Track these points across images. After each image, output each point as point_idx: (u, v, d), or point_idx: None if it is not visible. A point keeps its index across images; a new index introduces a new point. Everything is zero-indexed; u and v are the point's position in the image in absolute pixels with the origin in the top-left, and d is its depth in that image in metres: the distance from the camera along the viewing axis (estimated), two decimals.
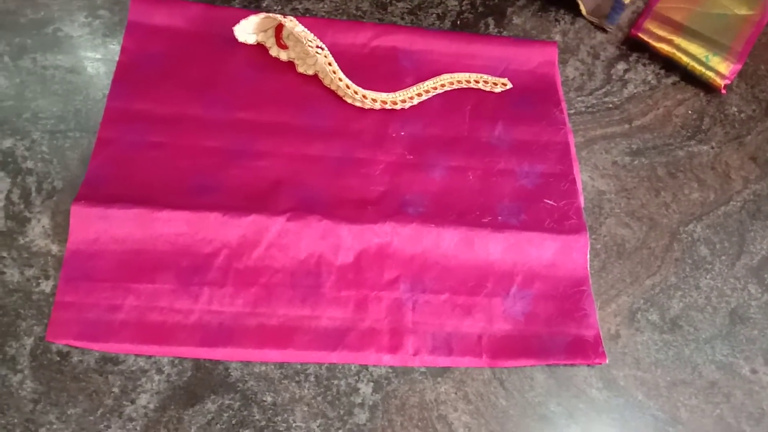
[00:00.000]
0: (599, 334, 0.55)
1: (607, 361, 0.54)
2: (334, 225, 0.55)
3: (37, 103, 0.58)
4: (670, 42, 0.71)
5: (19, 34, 0.61)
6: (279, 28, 0.62)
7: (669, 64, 0.72)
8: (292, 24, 0.59)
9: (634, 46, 0.72)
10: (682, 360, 0.56)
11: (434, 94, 0.64)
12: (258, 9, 0.66)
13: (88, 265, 0.51)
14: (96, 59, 0.61)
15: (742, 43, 0.71)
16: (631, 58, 0.72)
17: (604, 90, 0.69)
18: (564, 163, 0.62)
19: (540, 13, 0.72)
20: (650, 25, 0.71)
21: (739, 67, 0.70)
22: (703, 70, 0.70)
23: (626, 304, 0.58)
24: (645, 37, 0.71)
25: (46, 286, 0.51)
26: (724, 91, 0.70)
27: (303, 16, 0.66)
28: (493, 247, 0.57)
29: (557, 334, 0.55)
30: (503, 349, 0.53)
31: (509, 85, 0.65)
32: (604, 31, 0.72)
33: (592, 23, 0.72)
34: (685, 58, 0.70)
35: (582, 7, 0.71)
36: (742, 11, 0.72)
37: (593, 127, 0.66)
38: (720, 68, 0.70)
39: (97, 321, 0.49)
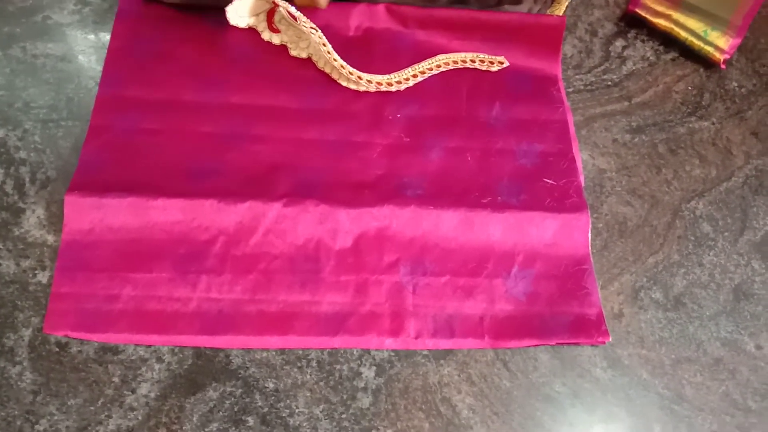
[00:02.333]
0: (602, 313, 0.55)
1: (611, 340, 0.54)
2: (331, 209, 0.54)
3: (28, 93, 0.57)
4: (668, 17, 0.70)
5: (7, 22, 0.60)
6: (271, 12, 0.61)
7: (668, 40, 0.71)
8: (285, 4, 0.58)
9: (632, 23, 0.71)
10: (686, 337, 0.56)
11: (430, 74, 0.63)
12: None
13: (84, 256, 0.50)
14: (87, 47, 0.60)
15: (741, 17, 0.70)
16: (629, 35, 0.71)
17: (602, 67, 0.68)
18: (563, 142, 0.61)
19: None
20: (648, 1, 0.70)
21: (738, 41, 0.69)
22: (702, 45, 0.69)
23: (629, 283, 0.58)
24: (643, 13, 0.70)
25: (43, 276, 0.50)
26: (723, 66, 0.69)
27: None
28: (494, 228, 0.56)
29: (559, 313, 0.54)
30: (506, 330, 0.53)
31: (506, 63, 0.65)
32: None
33: None
34: (683, 33, 0.69)
35: None
36: None
37: (592, 105, 0.66)
38: (719, 43, 0.69)
39: (95, 311, 0.49)
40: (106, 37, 0.60)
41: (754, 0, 0.70)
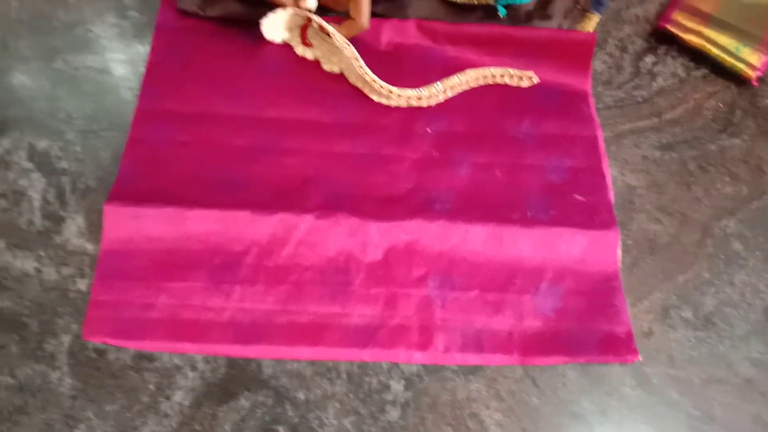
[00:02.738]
0: (631, 331, 0.54)
1: (640, 359, 0.54)
2: (362, 222, 0.55)
3: (69, 104, 0.59)
4: (698, 33, 0.69)
5: (51, 36, 0.62)
6: (304, 27, 0.63)
7: (698, 57, 0.70)
8: (318, 19, 0.59)
9: (662, 39, 0.71)
10: (716, 357, 0.55)
11: (460, 90, 0.63)
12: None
13: (121, 264, 0.51)
14: (126, 59, 0.61)
15: None
16: (659, 51, 0.71)
17: (632, 83, 0.68)
18: (592, 158, 0.62)
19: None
20: (679, 17, 0.70)
21: None
22: (734, 61, 0.69)
23: (659, 301, 0.57)
24: (673, 29, 0.70)
25: (82, 284, 0.52)
26: (755, 83, 0.69)
27: (327, 15, 0.66)
28: (522, 243, 0.56)
29: (588, 330, 0.54)
30: (534, 346, 0.53)
31: (536, 79, 0.65)
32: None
33: (584, 9, 0.69)
34: (714, 50, 0.69)
35: None
36: None
37: (622, 121, 0.66)
38: (751, 59, 0.69)
39: (132, 319, 0.50)
40: (145, 49, 0.62)
41: None
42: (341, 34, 0.60)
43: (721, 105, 0.69)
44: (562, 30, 0.66)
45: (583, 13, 0.68)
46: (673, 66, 0.70)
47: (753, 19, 0.70)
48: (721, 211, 0.63)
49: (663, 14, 0.71)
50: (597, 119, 0.64)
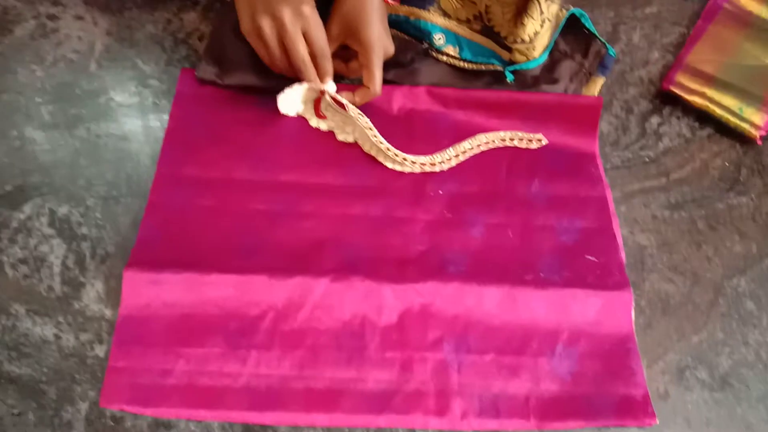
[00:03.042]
0: (647, 394, 0.54)
1: (657, 422, 0.53)
2: (376, 285, 0.55)
3: (90, 170, 0.60)
4: (702, 95, 0.71)
5: (74, 104, 0.64)
6: (317, 100, 0.65)
7: (703, 117, 0.72)
8: (331, 93, 0.61)
9: (667, 100, 0.73)
10: (734, 419, 0.55)
11: (471, 154, 0.65)
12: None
13: (139, 330, 0.52)
14: (146, 127, 0.63)
15: None
16: (664, 111, 0.72)
17: (639, 144, 0.69)
18: (603, 219, 0.62)
19: None
20: (682, 78, 0.72)
21: None
22: (738, 121, 0.70)
23: (674, 362, 0.57)
24: (677, 91, 0.72)
25: (100, 350, 0.52)
26: (760, 142, 0.70)
27: (340, 82, 0.68)
28: (537, 305, 0.57)
29: (605, 393, 0.54)
30: (551, 411, 0.53)
31: (544, 141, 0.66)
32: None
33: (589, 72, 0.72)
34: (718, 111, 0.71)
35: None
36: None
37: (630, 181, 0.67)
38: (754, 119, 0.70)
39: (149, 386, 0.50)
40: (165, 117, 0.63)
41: None
42: (355, 101, 0.62)
43: (727, 164, 0.70)
44: (569, 95, 0.68)
45: (589, 76, 0.70)
46: (679, 126, 0.71)
47: (754, 80, 0.72)
48: (733, 270, 0.63)
49: (666, 76, 0.73)
50: (605, 180, 0.65)
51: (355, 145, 0.64)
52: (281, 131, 0.64)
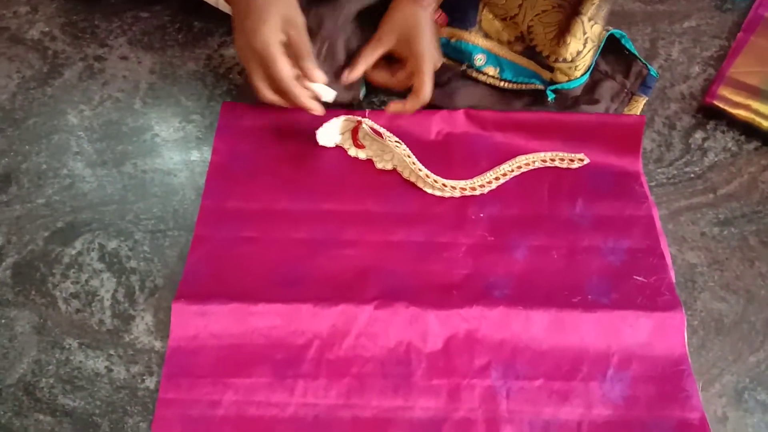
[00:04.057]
0: (705, 417, 0.52)
1: None
2: (421, 311, 0.55)
3: (138, 206, 0.62)
4: (747, 107, 0.70)
5: (121, 141, 0.66)
6: (355, 130, 0.65)
7: (749, 130, 0.70)
8: (370, 123, 0.62)
9: (710, 114, 0.71)
10: None
11: (511, 176, 0.65)
12: (334, 107, 0.69)
13: (188, 362, 0.53)
14: (190, 161, 0.65)
15: None
16: (708, 126, 0.71)
17: (683, 160, 0.68)
18: (650, 238, 0.61)
19: None
20: (724, 92, 0.71)
21: None
22: None
23: (731, 384, 0.55)
24: (720, 104, 0.70)
25: (150, 382, 0.53)
26: None
27: (378, 109, 0.69)
28: (586, 328, 0.55)
29: (660, 418, 0.52)
30: None
31: (586, 161, 0.65)
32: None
33: (631, 92, 0.71)
34: (765, 123, 0.69)
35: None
36: None
37: (677, 198, 0.65)
38: None
39: (199, 417, 0.50)
40: (208, 151, 0.65)
41: None
42: (405, 109, 0.63)
43: None
44: (610, 114, 0.67)
45: (631, 96, 0.69)
46: (724, 140, 0.70)
47: None
48: None
49: (708, 90, 0.71)
50: (651, 198, 0.64)
51: (394, 173, 0.64)
52: (321, 162, 0.64)
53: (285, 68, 0.55)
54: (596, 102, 0.67)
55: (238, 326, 0.54)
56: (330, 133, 0.64)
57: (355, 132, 0.66)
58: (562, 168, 0.65)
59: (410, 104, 0.63)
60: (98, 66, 0.71)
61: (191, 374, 0.52)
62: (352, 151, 0.65)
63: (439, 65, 0.64)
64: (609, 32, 0.67)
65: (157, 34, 0.74)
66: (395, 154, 0.64)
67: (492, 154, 0.66)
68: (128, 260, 0.59)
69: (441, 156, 0.65)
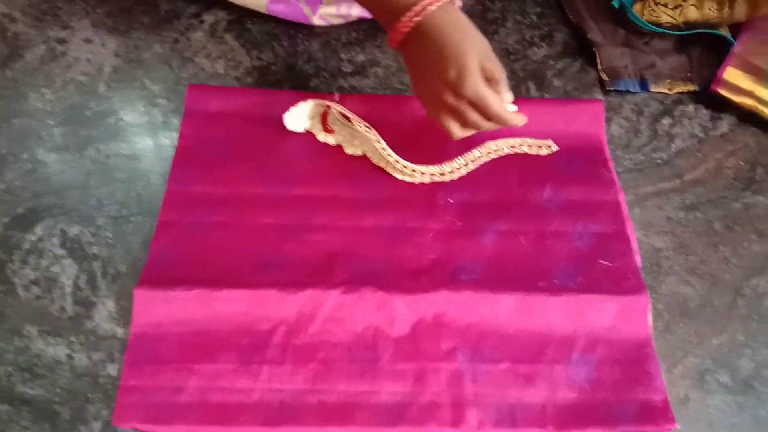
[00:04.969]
0: (667, 399, 0.53)
1: (678, 427, 0.52)
2: (388, 296, 0.55)
3: (101, 191, 0.60)
4: (751, 94, 0.69)
5: (84, 126, 0.64)
6: (324, 114, 0.65)
7: (714, 116, 0.71)
8: (338, 107, 0.61)
9: (677, 101, 0.72)
10: (759, 423, 0.54)
11: (481, 162, 0.64)
12: (306, 90, 0.68)
13: (151, 348, 0.52)
14: (155, 145, 0.64)
15: None
16: (675, 113, 0.71)
17: (651, 146, 0.68)
18: (617, 223, 0.61)
19: (580, 75, 0.73)
20: (730, 77, 0.71)
21: None
22: None
23: (694, 366, 0.56)
24: (725, 93, 0.70)
25: (112, 369, 0.52)
26: None
27: (348, 93, 0.68)
28: (552, 312, 0.56)
29: (624, 400, 0.53)
30: (569, 419, 0.52)
31: (554, 147, 0.66)
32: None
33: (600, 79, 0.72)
34: (767, 110, 0.69)
35: (599, 62, 0.72)
36: None
37: (643, 184, 0.66)
38: None
39: (162, 404, 0.50)
40: (174, 135, 0.64)
41: None
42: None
43: (742, 163, 0.69)
44: (572, 99, 0.67)
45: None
46: (690, 127, 0.70)
47: None
48: (751, 270, 0.62)
49: (715, 77, 0.71)
50: (618, 183, 0.65)
51: (364, 158, 0.64)
52: (290, 147, 0.64)
53: (500, 105, 0.53)
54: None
55: (203, 312, 0.53)
56: (298, 118, 0.63)
57: (324, 117, 0.65)
58: (531, 155, 0.66)
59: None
60: (60, 49, 0.69)
61: (154, 361, 0.51)
62: (321, 137, 0.65)
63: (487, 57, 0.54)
64: None
65: (123, 17, 0.73)
66: (365, 140, 0.63)
67: (463, 140, 0.65)
68: (90, 246, 0.57)
69: (412, 141, 0.64)
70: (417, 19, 0.51)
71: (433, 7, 0.50)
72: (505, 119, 0.54)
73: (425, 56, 0.52)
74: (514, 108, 0.57)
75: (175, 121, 0.65)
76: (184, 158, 0.62)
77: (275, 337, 0.53)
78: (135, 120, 0.65)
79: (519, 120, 0.56)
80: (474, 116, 0.54)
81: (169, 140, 0.64)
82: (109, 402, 0.50)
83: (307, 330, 0.53)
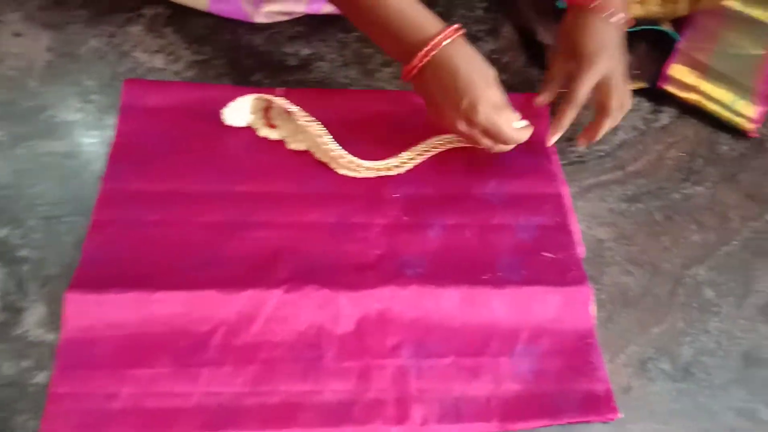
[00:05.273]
0: (610, 388, 0.54)
1: (621, 416, 0.52)
2: (332, 293, 0.54)
3: (32, 191, 0.58)
4: (696, 89, 0.71)
5: (15, 123, 0.62)
6: (267, 109, 0.63)
7: (656, 109, 0.72)
8: (281, 102, 0.60)
9: (658, 99, 0.73)
10: (698, 409, 0.55)
11: (427, 156, 0.64)
12: (247, 84, 0.67)
13: (83, 354, 0.50)
14: (91, 143, 0.61)
15: (762, 84, 0.70)
16: None
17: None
18: (560, 215, 0.62)
19: (526, 69, 0.73)
20: (676, 74, 0.72)
21: (765, 109, 0.70)
22: (731, 116, 0.71)
23: (636, 355, 0.57)
24: (671, 89, 0.71)
25: (42, 377, 0.49)
26: (756, 134, 0.71)
27: (292, 87, 0.67)
28: (496, 305, 0.56)
29: (567, 391, 0.53)
30: (514, 411, 0.52)
31: None
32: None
33: None
34: (712, 106, 0.71)
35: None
36: (756, 51, 0.72)
37: (586, 176, 0.67)
38: (747, 112, 0.70)
39: (94, 411, 0.48)
40: (110, 132, 0.62)
41: None
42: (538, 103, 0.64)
43: (682, 154, 0.70)
44: (519, 94, 0.67)
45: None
46: (632, 119, 0.71)
47: (742, 70, 0.71)
48: (691, 259, 0.63)
49: (660, 74, 0.72)
50: (562, 176, 0.65)
51: (307, 153, 0.63)
52: (230, 142, 0.62)
53: (510, 129, 0.57)
54: None
55: (138, 315, 0.51)
56: (239, 113, 0.62)
57: (267, 111, 0.64)
58: (476, 148, 0.65)
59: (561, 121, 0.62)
60: None
61: (86, 366, 0.49)
62: (263, 131, 0.63)
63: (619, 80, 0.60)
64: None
65: (56, 10, 0.70)
66: (309, 135, 0.62)
67: (407, 133, 0.65)
68: (19, 249, 0.55)
69: (357, 136, 0.64)
70: (433, 53, 0.54)
71: (447, 41, 0.54)
72: (516, 140, 0.58)
73: (439, 87, 0.55)
74: (523, 123, 0.59)
75: (112, 118, 0.63)
76: (120, 155, 0.60)
77: (214, 339, 0.51)
78: (69, 117, 0.63)
79: (527, 135, 0.59)
80: (486, 141, 0.58)
81: (104, 137, 0.62)
82: (38, 412, 0.48)
83: (248, 330, 0.52)
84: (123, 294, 0.51)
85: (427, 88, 0.57)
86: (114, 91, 0.65)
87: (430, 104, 0.58)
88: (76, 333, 0.50)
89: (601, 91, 0.60)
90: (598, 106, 0.61)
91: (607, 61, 0.59)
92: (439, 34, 0.54)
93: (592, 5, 0.59)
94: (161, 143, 0.61)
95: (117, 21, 0.70)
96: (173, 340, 0.51)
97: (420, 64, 0.55)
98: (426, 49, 0.54)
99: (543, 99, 0.66)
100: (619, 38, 0.60)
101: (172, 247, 0.55)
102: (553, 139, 0.62)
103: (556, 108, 0.63)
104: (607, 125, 0.61)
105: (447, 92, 0.55)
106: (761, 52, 0.73)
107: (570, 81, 0.60)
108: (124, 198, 0.57)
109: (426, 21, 0.55)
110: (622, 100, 0.60)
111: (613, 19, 0.59)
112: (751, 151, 0.72)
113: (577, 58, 0.60)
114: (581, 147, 0.65)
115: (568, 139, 0.68)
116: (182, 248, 0.55)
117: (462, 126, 0.56)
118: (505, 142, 0.58)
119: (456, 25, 0.55)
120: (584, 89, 0.59)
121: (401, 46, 0.55)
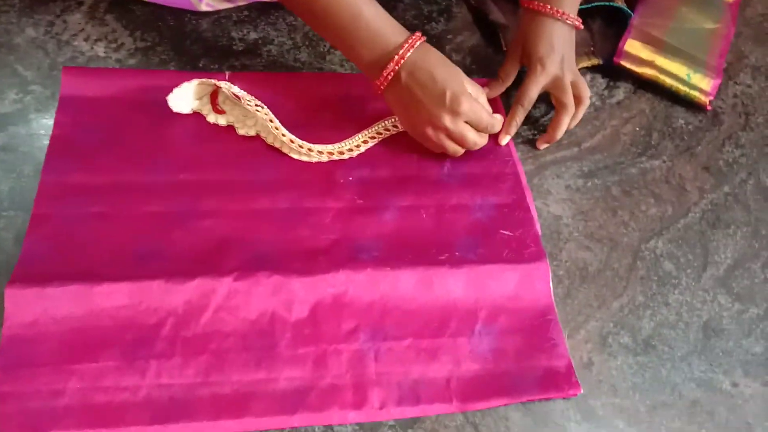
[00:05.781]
0: (571, 364, 0.53)
1: (583, 391, 0.52)
2: (285, 279, 0.53)
3: None
4: (651, 64, 0.71)
5: None
6: (214, 94, 0.62)
7: (610, 85, 0.72)
8: (227, 86, 0.58)
9: (616, 75, 0.73)
10: (659, 381, 0.54)
11: (380, 139, 0.63)
12: (194, 70, 0.65)
13: (26, 350, 0.48)
14: (29, 135, 0.59)
15: (716, 57, 0.71)
16: None
17: (549, 116, 0.69)
18: (516, 193, 0.61)
19: (478, 49, 0.73)
20: (631, 49, 0.72)
21: (719, 81, 0.71)
22: (687, 90, 0.71)
23: (596, 330, 0.57)
24: (627, 64, 0.71)
25: None
26: (709, 108, 0.71)
27: (240, 71, 0.65)
28: (453, 285, 0.55)
29: (528, 368, 0.52)
30: (474, 391, 0.51)
31: None
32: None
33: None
34: (668, 81, 0.71)
35: (503, 43, 0.72)
36: (709, 25, 0.73)
37: (542, 153, 0.66)
38: (702, 85, 0.71)
39: (40, 410, 0.46)
40: (49, 124, 0.59)
41: (723, 40, 0.72)
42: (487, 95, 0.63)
43: (637, 129, 0.70)
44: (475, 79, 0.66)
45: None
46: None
47: (697, 44, 0.72)
48: (649, 233, 0.63)
49: (617, 50, 0.72)
50: (516, 154, 0.65)
51: (257, 139, 0.61)
52: (176, 130, 0.60)
53: (489, 114, 0.60)
54: None
55: (82, 308, 0.49)
56: (183, 99, 0.60)
57: (213, 97, 0.62)
58: None
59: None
60: None
61: (30, 364, 0.47)
62: (212, 117, 0.61)
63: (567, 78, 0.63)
64: None
65: None
66: (258, 120, 0.61)
67: (359, 116, 0.64)
68: None
69: (308, 120, 0.62)
70: (402, 61, 0.56)
71: (411, 51, 0.56)
72: (493, 125, 0.60)
73: (419, 86, 0.57)
74: (498, 117, 0.60)
75: (51, 109, 0.60)
76: (60, 147, 0.57)
77: (163, 331, 0.50)
78: (5, 109, 0.60)
79: (500, 124, 0.61)
80: (471, 134, 0.59)
81: (43, 129, 0.59)
82: None
83: (198, 321, 0.50)
84: (65, 287, 0.49)
85: (403, 94, 0.58)
86: (54, 81, 0.62)
87: (407, 109, 0.59)
88: (17, 329, 0.48)
89: (556, 90, 0.63)
90: (556, 103, 0.64)
91: (557, 64, 0.62)
92: (405, 42, 0.56)
93: (544, 10, 0.61)
94: (102, 133, 0.58)
95: (54, 9, 0.67)
96: (119, 333, 0.49)
97: (390, 77, 0.57)
98: (392, 64, 0.56)
99: (491, 93, 0.67)
100: (571, 39, 0.64)
101: (116, 238, 0.53)
102: (505, 139, 0.64)
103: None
104: (566, 122, 0.64)
105: (427, 89, 0.56)
106: (715, 25, 0.74)
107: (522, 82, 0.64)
108: (64, 191, 0.55)
109: (387, 29, 0.56)
110: (581, 96, 0.64)
111: (568, 22, 0.62)
112: (707, 124, 0.72)
113: (528, 60, 0.63)
114: (541, 148, 0.66)
115: (524, 118, 0.68)
116: (126, 240, 0.53)
117: (446, 120, 0.57)
118: (484, 130, 0.60)
119: (417, 33, 0.57)
120: (533, 91, 0.63)
121: (369, 62, 0.57)
